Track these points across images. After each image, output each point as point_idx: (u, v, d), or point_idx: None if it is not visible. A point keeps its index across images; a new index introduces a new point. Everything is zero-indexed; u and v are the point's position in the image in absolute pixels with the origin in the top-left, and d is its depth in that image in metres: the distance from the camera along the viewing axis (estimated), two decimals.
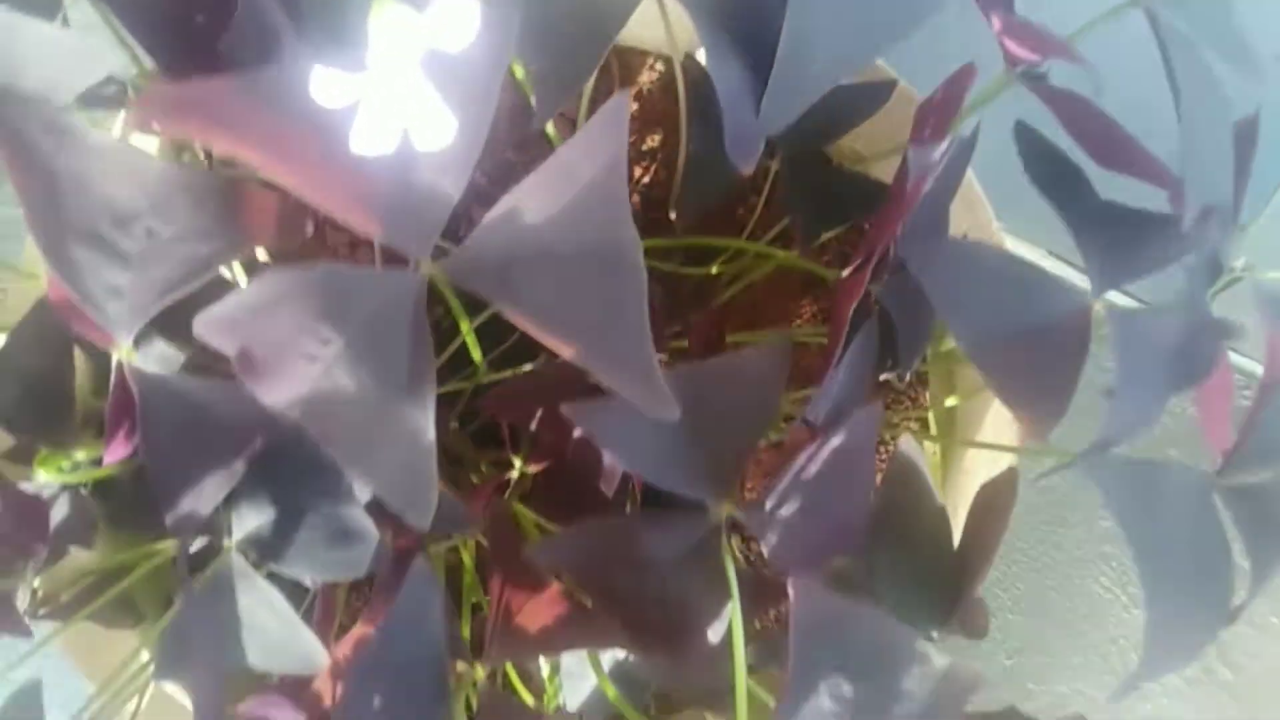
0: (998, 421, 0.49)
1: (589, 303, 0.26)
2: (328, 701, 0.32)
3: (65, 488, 0.39)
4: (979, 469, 0.49)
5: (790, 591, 0.28)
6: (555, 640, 0.36)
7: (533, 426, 0.39)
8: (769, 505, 0.34)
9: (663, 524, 0.33)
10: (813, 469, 0.34)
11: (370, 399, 0.25)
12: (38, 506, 0.35)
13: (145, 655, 0.44)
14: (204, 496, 0.31)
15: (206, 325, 0.26)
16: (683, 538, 0.33)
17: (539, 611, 0.37)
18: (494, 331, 0.39)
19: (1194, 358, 0.36)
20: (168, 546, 0.44)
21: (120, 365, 0.28)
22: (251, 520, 0.32)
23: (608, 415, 0.32)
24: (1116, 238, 0.36)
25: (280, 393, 0.25)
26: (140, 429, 0.29)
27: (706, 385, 0.32)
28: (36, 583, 0.45)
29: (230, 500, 0.32)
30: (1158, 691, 0.49)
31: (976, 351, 0.33)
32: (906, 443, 0.40)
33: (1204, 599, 0.37)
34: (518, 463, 0.40)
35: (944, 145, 0.33)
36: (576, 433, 0.39)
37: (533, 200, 0.26)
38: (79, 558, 0.47)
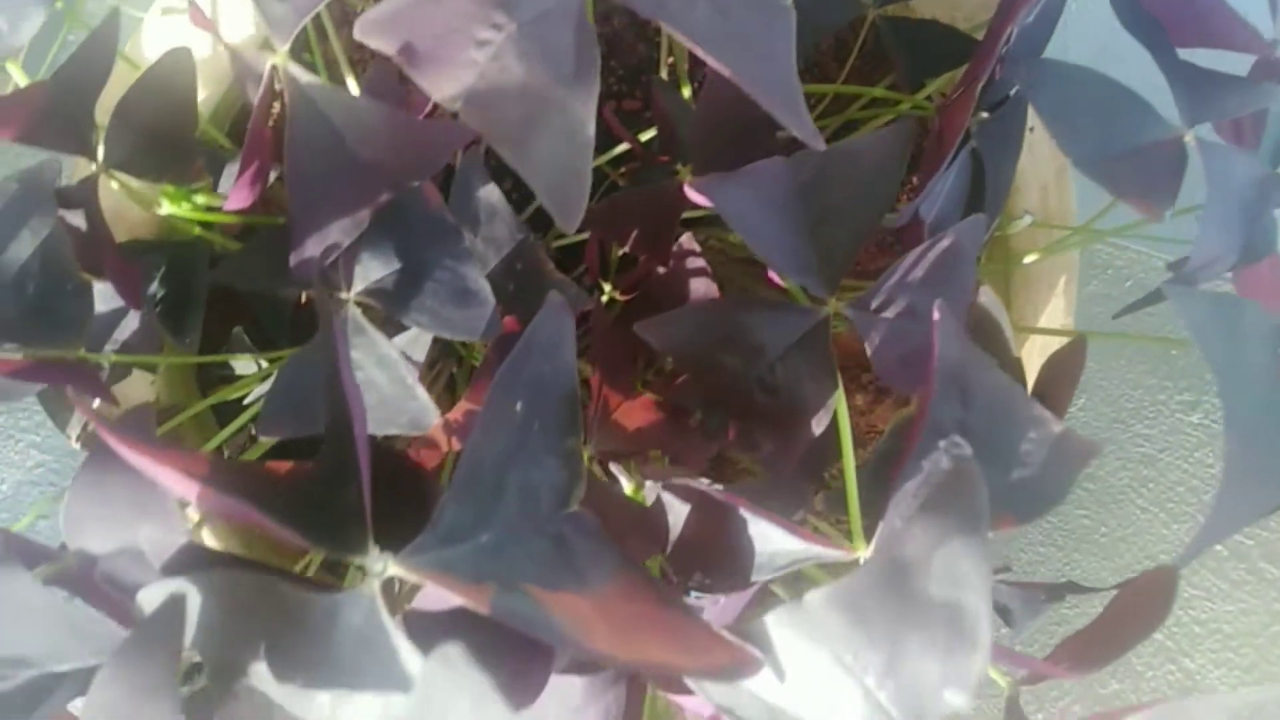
0: (1049, 318, 0.51)
1: (743, 28, 0.27)
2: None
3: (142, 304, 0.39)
4: (1032, 359, 0.50)
5: (935, 319, 0.28)
6: (650, 439, 0.36)
7: (627, 248, 0.39)
8: (874, 304, 0.34)
9: (772, 314, 0.34)
10: (918, 272, 0.34)
11: (536, 87, 0.26)
12: (133, 275, 0.35)
13: None
14: (332, 237, 0.31)
15: (366, 27, 0.26)
16: (791, 329, 0.34)
17: (634, 414, 0.37)
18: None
19: (1268, 204, 0.38)
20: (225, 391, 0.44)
21: (272, 73, 0.28)
22: (374, 271, 0.32)
23: (735, 188, 0.32)
24: (1199, 82, 0.37)
25: (446, 83, 0.26)
26: (286, 148, 0.29)
27: (828, 168, 0.33)
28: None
29: (352, 251, 0.32)
30: (1202, 596, 0.49)
31: (1084, 165, 0.34)
32: (986, 294, 0.41)
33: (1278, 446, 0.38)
34: (607, 288, 0.40)
35: None
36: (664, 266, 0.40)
37: None
38: (137, 384, 0.46)
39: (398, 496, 0.26)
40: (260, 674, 0.27)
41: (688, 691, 0.34)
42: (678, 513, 0.33)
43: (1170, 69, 0.37)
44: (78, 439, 0.46)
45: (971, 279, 0.36)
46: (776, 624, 0.26)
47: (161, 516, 0.28)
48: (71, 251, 0.33)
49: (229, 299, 0.48)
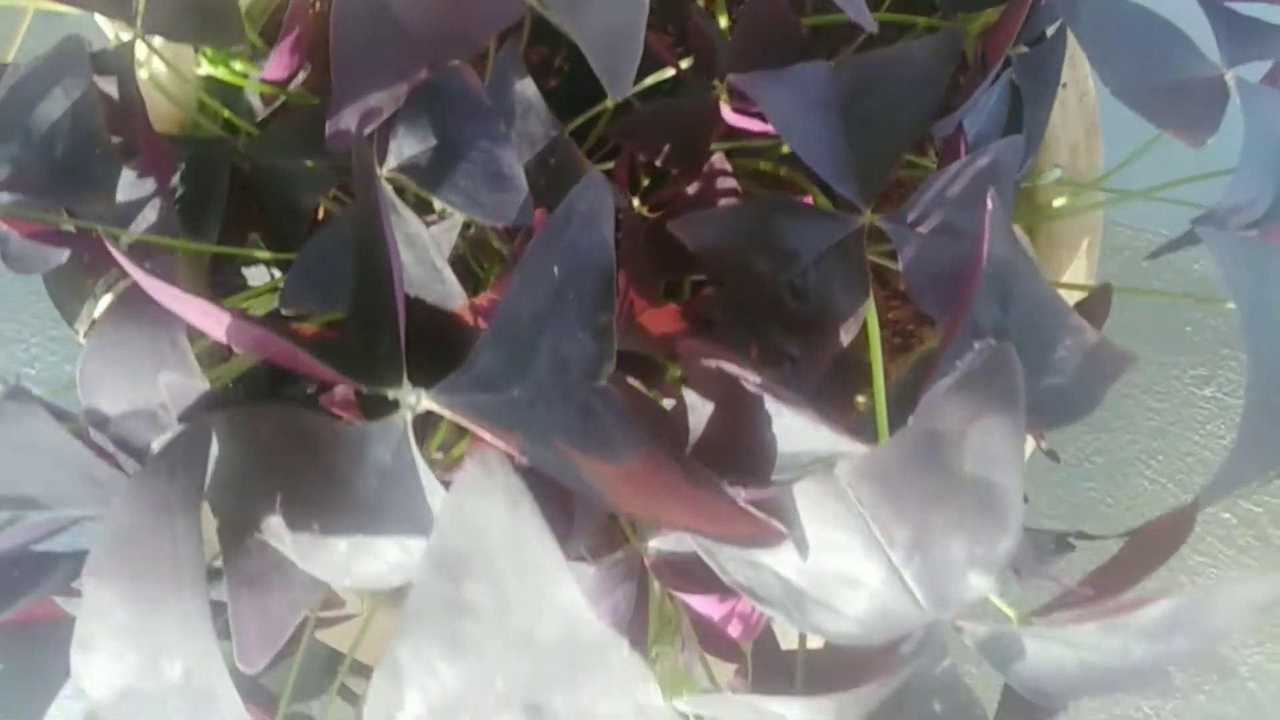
0: (1071, 280, 0.50)
1: None
2: None
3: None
4: None
5: (987, 209, 0.28)
6: (674, 345, 0.36)
7: (659, 162, 0.39)
8: (910, 217, 0.34)
9: (807, 220, 0.34)
10: (955, 189, 0.34)
11: None
12: (163, 147, 0.35)
13: None
14: (370, 106, 0.31)
15: None
16: (826, 236, 0.34)
17: (659, 320, 0.36)
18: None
19: None
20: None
21: None
22: (409, 148, 0.32)
23: (778, 86, 0.32)
24: (1241, 26, 0.37)
25: None
26: (334, 10, 0.29)
27: (870, 74, 0.33)
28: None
29: (388, 127, 0.32)
30: (1208, 563, 0.49)
31: (1125, 95, 0.34)
32: (1015, 231, 0.41)
33: None
34: (635, 202, 0.40)
35: None
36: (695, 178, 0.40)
37: None
38: None
39: (433, 345, 0.26)
40: (273, 528, 0.26)
41: (698, 591, 0.34)
42: (699, 415, 0.33)
43: (1212, 10, 0.37)
44: (85, 334, 0.45)
45: (1010, 199, 0.36)
46: (803, 495, 0.26)
47: (182, 367, 0.28)
48: (102, 117, 0.33)
49: (246, 205, 0.47)
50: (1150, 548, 0.37)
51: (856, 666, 0.30)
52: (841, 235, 0.33)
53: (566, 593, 0.20)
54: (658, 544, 0.33)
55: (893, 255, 0.35)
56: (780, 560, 0.27)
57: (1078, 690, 0.30)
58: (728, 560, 0.28)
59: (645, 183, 0.44)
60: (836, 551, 0.26)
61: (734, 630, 0.34)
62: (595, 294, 0.28)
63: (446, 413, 0.23)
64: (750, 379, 0.29)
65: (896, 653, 0.29)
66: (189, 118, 0.43)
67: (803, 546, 0.26)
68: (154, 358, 0.29)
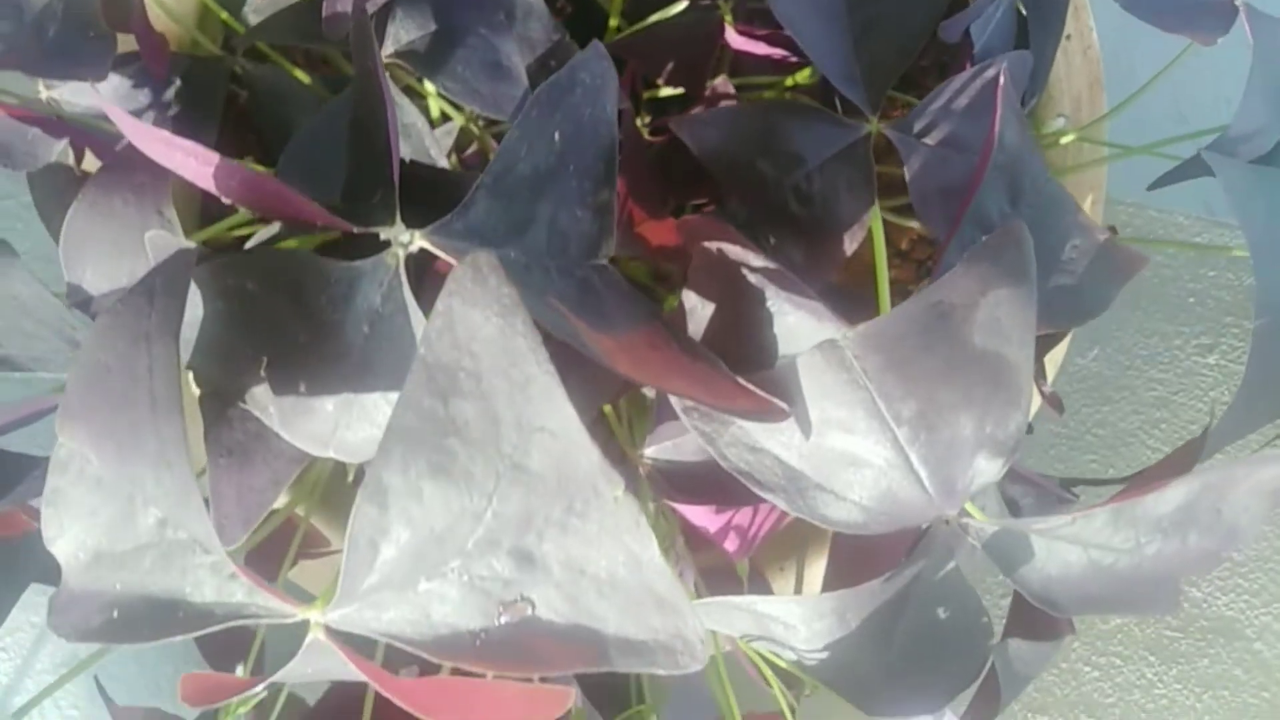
0: None
1: None
2: None
3: None
4: None
5: (999, 84, 0.27)
6: (671, 258, 0.35)
7: (662, 79, 0.39)
8: (917, 127, 0.34)
9: (814, 124, 0.33)
10: (962, 100, 0.34)
11: None
12: (159, 38, 0.34)
13: None
14: None
15: None
16: (832, 141, 0.33)
17: (659, 232, 0.36)
18: None
19: None
20: None
21: None
22: (408, 32, 0.31)
23: None
24: None
25: None
26: None
27: None
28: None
29: (386, 11, 0.31)
30: None
31: (1133, 6, 0.34)
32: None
33: None
34: (639, 122, 0.40)
35: None
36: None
37: None
38: None
39: (428, 195, 0.25)
40: (257, 397, 0.26)
41: (694, 501, 0.33)
42: (699, 319, 0.32)
43: None
44: None
45: (1019, 114, 0.35)
46: (807, 370, 0.25)
47: (167, 228, 0.27)
48: (98, 2, 0.32)
49: (241, 132, 0.46)
50: (1158, 477, 0.36)
51: (858, 569, 0.29)
52: (848, 141, 0.33)
53: (561, 415, 0.19)
54: (654, 452, 0.32)
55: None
56: (781, 442, 0.26)
57: (1087, 600, 0.29)
58: (727, 446, 0.27)
59: (648, 119, 0.44)
60: (840, 430, 0.25)
61: (729, 545, 0.33)
62: (596, 171, 0.27)
63: (440, 254, 0.22)
64: (754, 262, 0.28)
65: (899, 552, 0.28)
66: (188, 35, 0.42)
67: (805, 424, 0.25)
68: (139, 229, 0.28)
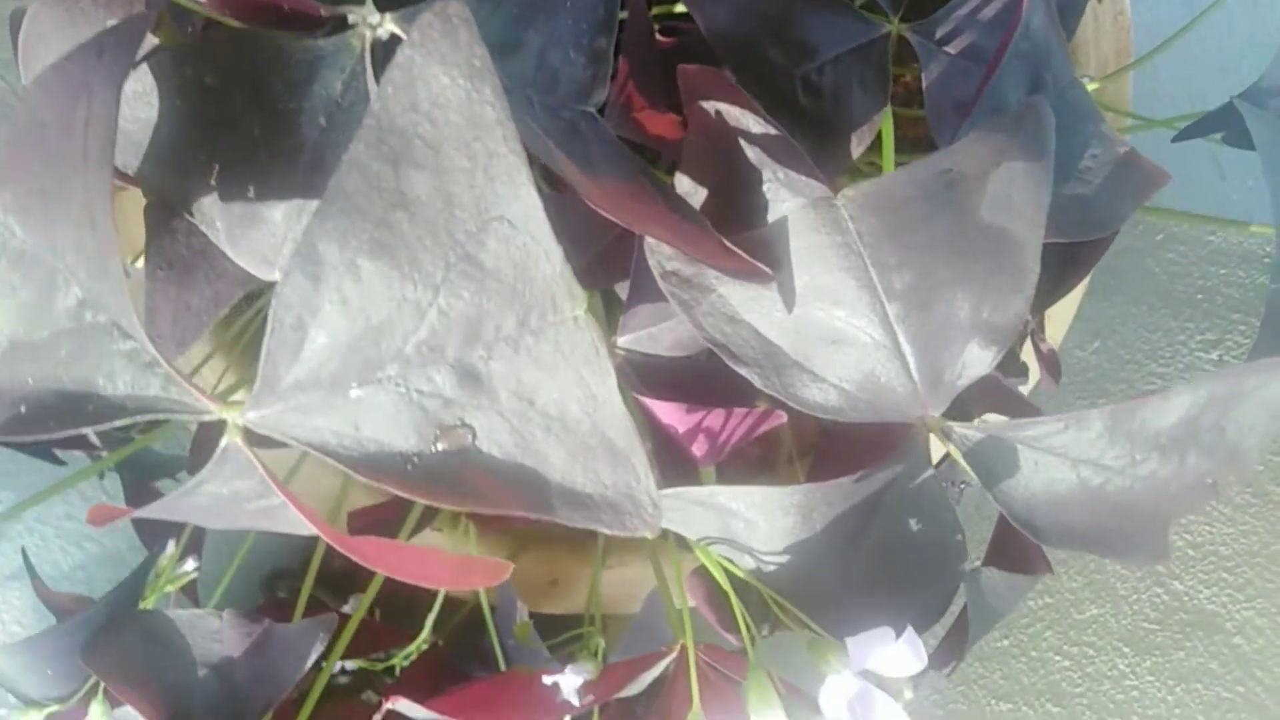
0: None
1: None
2: None
3: None
4: None
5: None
6: (669, 147, 0.34)
7: None
8: (939, 33, 0.32)
9: (832, 16, 0.31)
10: (989, 11, 0.32)
11: None
12: None
13: None
14: None
15: None
16: (849, 36, 0.31)
17: (656, 122, 0.34)
18: None
19: None
20: None
21: None
22: None
23: None
24: None
25: None
26: None
27: None
28: None
29: None
30: (1201, 520, 0.46)
31: None
32: None
33: None
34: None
35: None
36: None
37: None
38: None
39: None
40: (204, 210, 0.24)
41: (665, 397, 0.31)
42: (693, 203, 0.30)
43: None
44: None
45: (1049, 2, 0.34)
46: (799, 230, 0.23)
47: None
48: None
49: None
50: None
51: (830, 467, 0.27)
52: (867, 38, 0.31)
53: (524, 205, 0.17)
54: (628, 342, 0.31)
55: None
56: (761, 314, 0.24)
57: (1071, 531, 0.27)
58: (704, 316, 0.25)
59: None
60: (826, 302, 0.23)
61: (698, 449, 0.31)
62: (595, 14, 0.26)
63: None
64: (753, 128, 0.26)
65: (874, 453, 0.26)
66: None
67: (789, 293, 0.24)
68: (101, 28, 0.26)
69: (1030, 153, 0.22)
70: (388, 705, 0.27)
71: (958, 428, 0.25)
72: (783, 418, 0.33)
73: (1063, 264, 0.33)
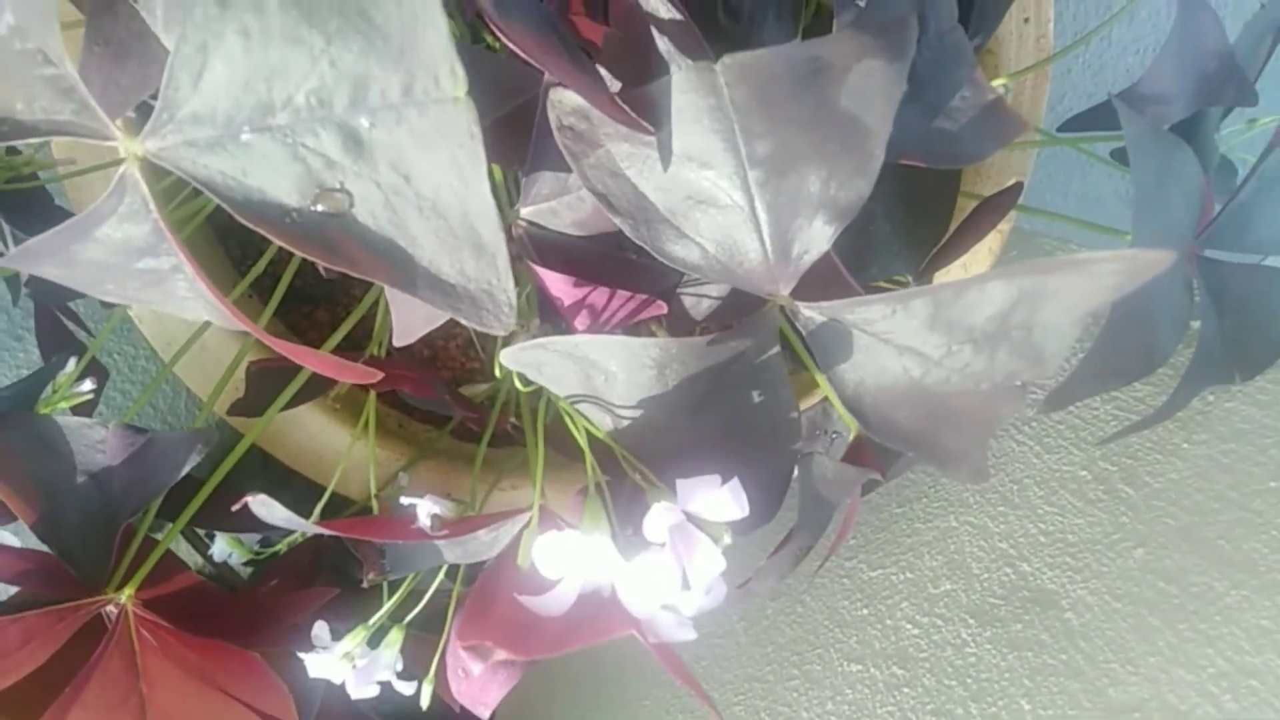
0: None
1: None
2: None
3: None
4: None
5: None
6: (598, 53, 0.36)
7: None
8: None
9: None
10: None
11: None
12: None
13: None
14: None
15: None
16: None
17: (591, 29, 0.36)
18: None
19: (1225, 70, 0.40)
20: None
21: None
22: None
23: None
24: None
25: None
26: None
27: None
28: None
29: None
30: (1055, 513, 0.49)
31: None
32: None
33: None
34: None
35: None
36: None
37: None
38: None
39: None
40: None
41: (557, 269, 0.33)
42: None
43: None
44: None
45: None
46: (680, 87, 0.26)
47: None
48: None
49: None
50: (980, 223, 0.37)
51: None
52: None
53: None
54: (530, 214, 0.33)
55: None
56: (640, 171, 0.27)
57: (894, 426, 0.29)
58: (590, 168, 0.27)
59: None
60: (697, 164, 0.26)
61: (579, 322, 0.33)
62: None
63: None
64: (663, 13, 0.29)
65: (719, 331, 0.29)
66: None
67: (666, 152, 0.26)
68: None
69: (890, 56, 0.25)
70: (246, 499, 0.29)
71: (804, 308, 0.28)
72: (663, 308, 0.35)
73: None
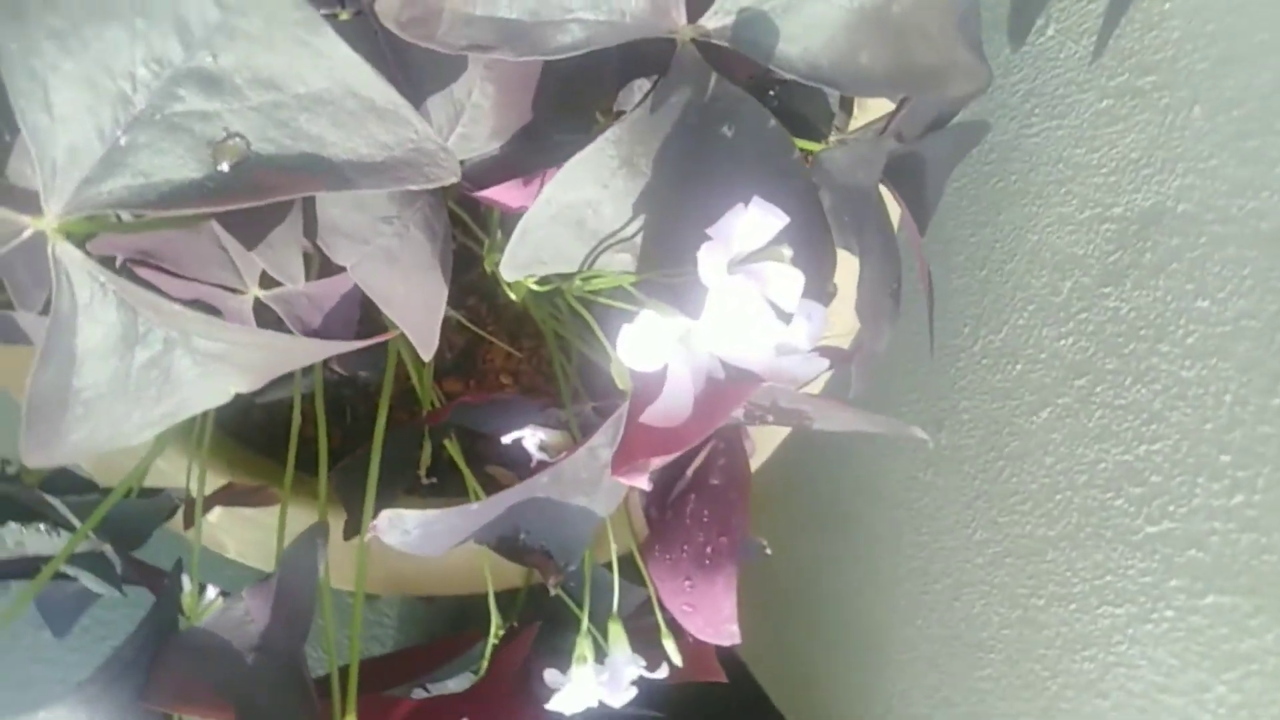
0: None
1: None
2: None
3: None
4: None
5: None
6: None
7: None
8: None
9: None
10: None
11: None
12: None
13: None
14: None
15: None
16: None
17: None
18: None
19: None
20: None
21: None
22: None
23: None
24: None
25: None
26: None
27: None
28: None
29: None
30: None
31: None
32: None
33: None
34: None
35: None
36: None
37: None
38: None
39: None
40: None
41: (495, 181, 0.33)
42: None
43: None
44: None
45: None
46: None
47: None
48: None
49: None
50: None
51: None
52: None
53: None
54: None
55: None
56: (486, 5, 0.27)
57: (859, 72, 0.28)
58: (446, 34, 0.27)
59: None
60: None
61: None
62: None
63: None
64: None
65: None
66: None
67: None
68: None
69: None
70: None
71: (708, 21, 0.27)
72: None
73: None
